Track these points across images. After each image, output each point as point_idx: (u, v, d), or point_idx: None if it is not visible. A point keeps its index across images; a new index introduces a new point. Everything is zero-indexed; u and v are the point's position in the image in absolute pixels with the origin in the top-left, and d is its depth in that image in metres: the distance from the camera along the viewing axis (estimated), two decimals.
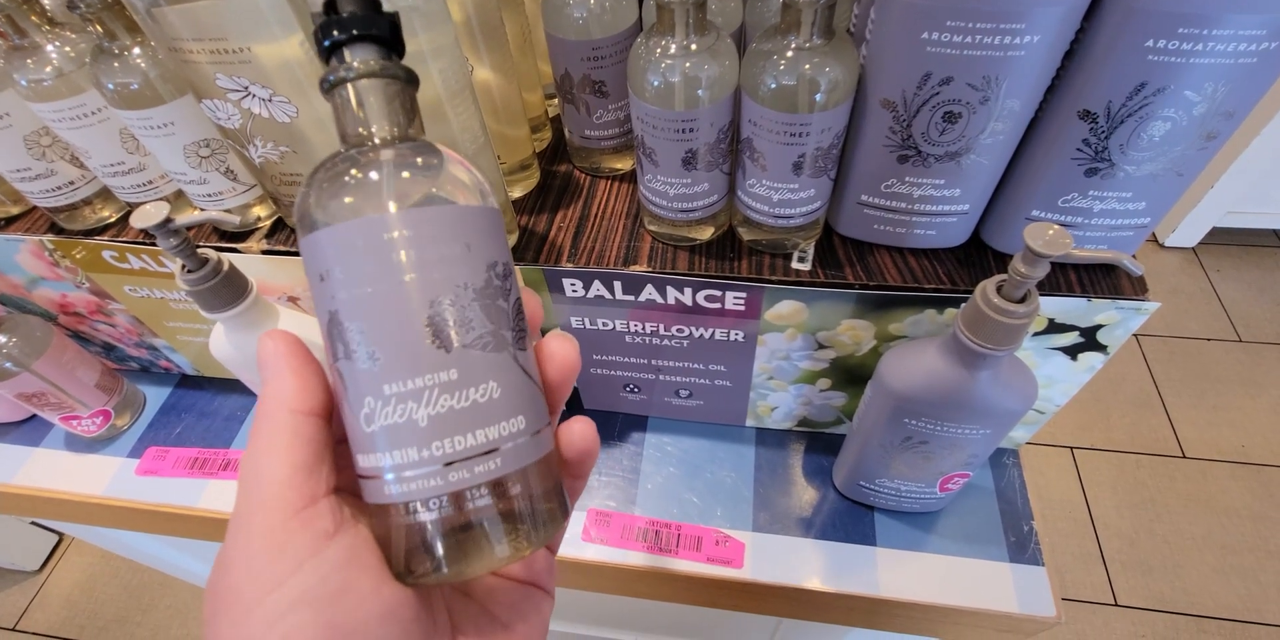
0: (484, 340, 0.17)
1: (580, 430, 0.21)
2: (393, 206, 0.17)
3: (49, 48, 0.38)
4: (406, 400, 0.17)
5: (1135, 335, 1.45)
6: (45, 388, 0.51)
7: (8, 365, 0.49)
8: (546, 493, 0.18)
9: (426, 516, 0.17)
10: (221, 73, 0.34)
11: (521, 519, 0.18)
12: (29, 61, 0.38)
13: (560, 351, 0.20)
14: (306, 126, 0.37)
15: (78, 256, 0.47)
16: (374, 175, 0.17)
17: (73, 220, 0.46)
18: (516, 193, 0.45)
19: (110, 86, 0.37)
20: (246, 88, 0.35)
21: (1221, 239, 1.61)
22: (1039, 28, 0.28)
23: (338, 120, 0.18)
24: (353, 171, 0.17)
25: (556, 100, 0.46)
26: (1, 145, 0.41)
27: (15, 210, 0.48)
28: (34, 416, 0.59)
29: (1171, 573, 1.12)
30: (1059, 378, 0.41)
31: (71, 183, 0.44)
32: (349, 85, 0.18)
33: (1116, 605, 1.09)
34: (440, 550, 0.17)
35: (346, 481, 0.19)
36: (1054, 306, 0.36)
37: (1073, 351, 0.39)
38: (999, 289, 0.30)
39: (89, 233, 0.46)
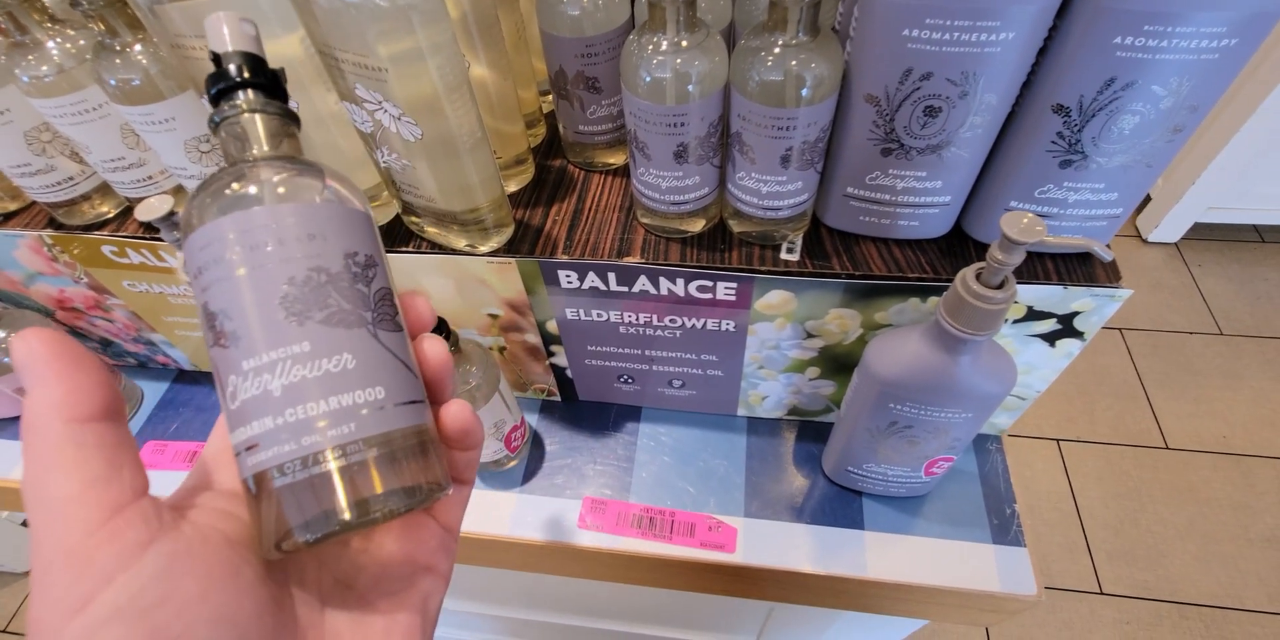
0: (337, 316, 0.19)
1: (455, 410, 0.21)
2: (253, 205, 0.19)
3: (50, 44, 0.38)
4: (262, 373, 0.18)
5: (1119, 329, 1.48)
6: None
7: (5, 360, 0.49)
8: (412, 461, 0.19)
9: (282, 481, 0.17)
10: None
11: (378, 483, 0.18)
12: (30, 58, 0.38)
13: (430, 350, 0.22)
14: (308, 124, 0.37)
15: (76, 252, 0.48)
16: (239, 182, 0.20)
17: (71, 215, 0.47)
18: (512, 187, 0.46)
19: (112, 82, 0.37)
20: None
21: (1203, 234, 1.64)
22: (1014, 25, 0.29)
23: (222, 150, 0.21)
24: (223, 181, 0.20)
25: (550, 96, 0.47)
26: (2, 141, 0.42)
27: (13, 206, 0.48)
28: None
29: (1155, 561, 1.14)
30: (1038, 364, 0.43)
31: (71, 178, 0.45)
32: (229, 121, 0.21)
33: (1102, 594, 1.12)
34: (299, 515, 0.17)
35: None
36: (1032, 294, 0.37)
37: (1051, 338, 0.40)
38: (978, 276, 0.32)
39: (88, 228, 0.46)
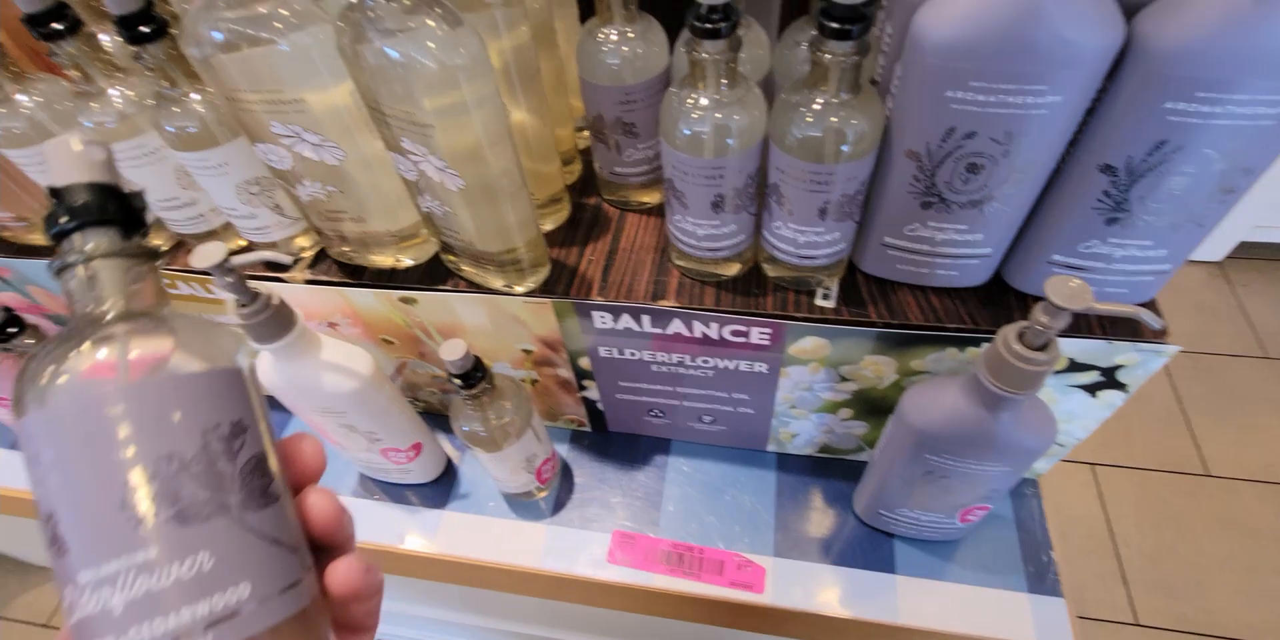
0: (192, 510, 0.16)
1: (341, 574, 0.19)
2: (94, 386, 0.16)
3: (112, 92, 0.40)
4: (101, 587, 0.15)
5: None
6: None
7: None
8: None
9: None
10: (276, 120, 0.36)
11: None
12: (94, 105, 0.40)
13: (316, 507, 0.19)
14: (353, 168, 0.39)
15: None
16: (70, 358, 0.17)
17: None
18: (548, 226, 0.46)
19: (170, 129, 0.39)
20: (298, 133, 0.37)
21: (1249, 253, 1.58)
22: (1061, 89, 0.29)
23: (65, 300, 0.18)
24: (62, 352, 0.17)
25: (586, 132, 0.47)
26: None
27: None
28: None
29: (1194, 593, 1.11)
30: (1079, 413, 0.42)
31: None
32: (69, 270, 0.18)
33: (1138, 625, 1.09)
34: None
35: None
36: (1075, 347, 0.37)
37: (1093, 389, 0.40)
38: (1020, 336, 0.31)
39: None
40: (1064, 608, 0.44)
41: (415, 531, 0.52)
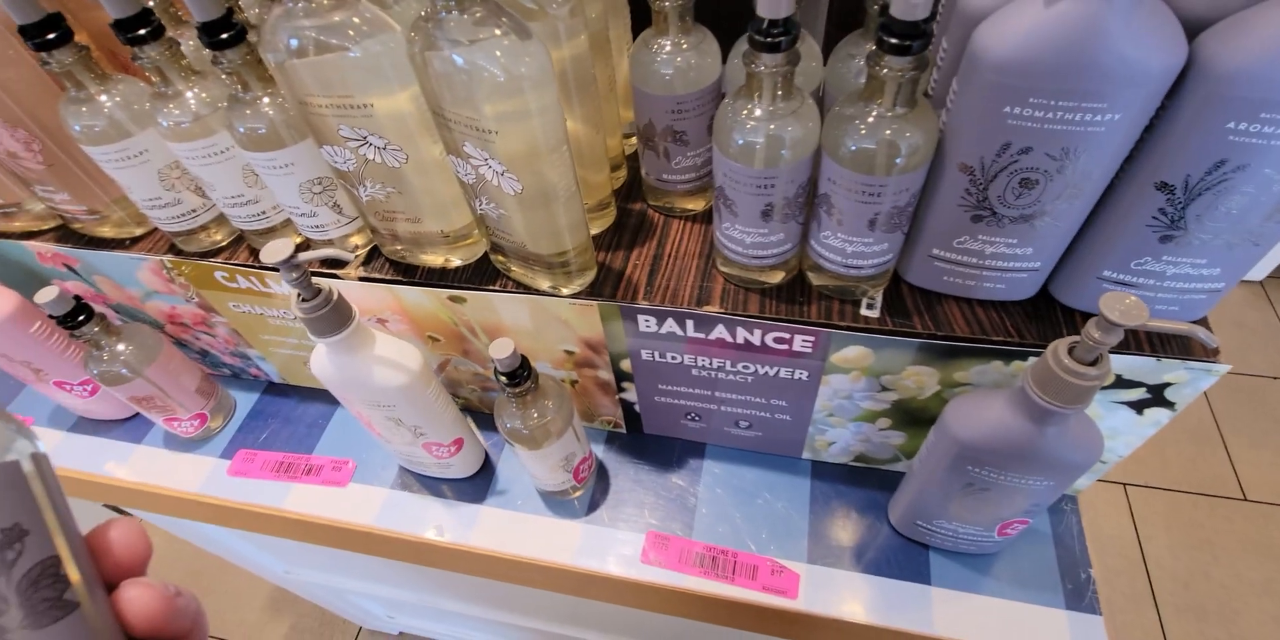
0: None
1: (140, 609, 0.17)
2: None
3: (188, 94, 0.42)
4: None
5: None
6: (154, 392, 0.56)
7: (123, 371, 0.54)
8: None
9: None
10: (345, 124, 0.37)
11: None
12: (170, 106, 0.42)
13: (136, 603, 0.17)
14: (412, 171, 0.40)
15: (191, 275, 0.52)
16: None
17: (189, 243, 0.50)
18: (594, 229, 0.47)
19: (241, 130, 0.41)
20: (365, 137, 0.38)
21: None
22: (1120, 107, 0.29)
23: None
24: None
25: (633, 138, 0.48)
26: (138, 177, 0.46)
27: (139, 231, 0.53)
28: (136, 414, 0.64)
29: (1228, 618, 1.08)
30: (1123, 430, 0.42)
31: (194, 211, 0.49)
32: None
33: None
34: None
35: None
36: (1122, 363, 0.37)
37: (1139, 407, 0.39)
38: (1070, 351, 0.31)
39: (204, 255, 0.50)
40: (1101, 625, 0.43)
41: (453, 525, 0.53)
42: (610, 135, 0.48)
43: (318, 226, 0.46)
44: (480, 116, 0.34)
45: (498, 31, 0.32)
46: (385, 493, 0.56)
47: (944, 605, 0.45)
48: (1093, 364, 0.31)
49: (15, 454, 0.16)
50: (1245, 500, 1.21)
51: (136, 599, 0.17)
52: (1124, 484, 1.24)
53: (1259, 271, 1.54)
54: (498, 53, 0.32)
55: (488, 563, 0.52)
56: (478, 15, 0.32)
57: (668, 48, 0.40)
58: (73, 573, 0.16)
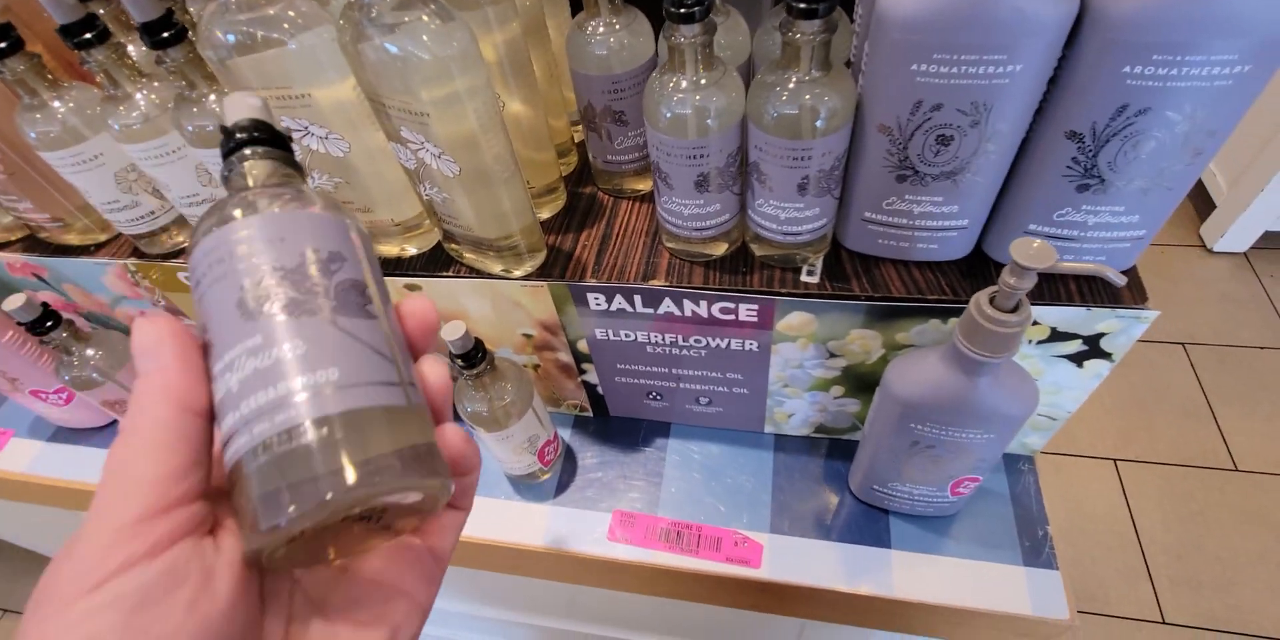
0: (288, 307, 0.19)
1: (450, 434, 0.21)
2: (225, 223, 0.20)
3: (138, 96, 0.43)
4: (225, 373, 0.18)
5: (1181, 343, 1.41)
6: (127, 395, 0.57)
7: (95, 376, 0.54)
8: (382, 443, 0.18)
9: (248, 471, 0.17)
10: (285, 115, 0.38)
11: (336, 461, 0.17)
12: (121, 108, 0.43)
13: (429, 372, 0.21)
14: (358, 159, 0.41)
15: (155, 277, 0.53)
16: (218, 206, 0.21)
17: (152, 245, 0.51)
18: (545, 214, 0.48)
19: (190, 128, 0.42)
20: (306, 127, 0.39)
21: (1274, 243, 1.55)
22: (1022, 58, 0.30)
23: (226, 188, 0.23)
24: (208, 212, 0.21)
25: (581, 127, 0.49)
26: (95, 181, 0.47)
27: (103, 237, 0.54)
28: (114, 422, 0.65)
29: (1223, 590, 1.08)
30: (1066, 384, 0.42)
31: (153, 213, 0.50)
32: (230, 172, 0.23)
33: (1164, 623, 1.06)
34: (261, 503, 0.17)
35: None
36: (1055, 316, 0.38)
37: (1078, 359, 0.40)
38: (991, 300, 0.32)
39: (166, 256, 0.51)
40: (1059, 580, 0.44)
41: None
42: (555, 117, 0.49)
43: None
44: (414, 100, 0.35)
45: (424, 17, 0.33)
46: None
47: (904, 568, 0.46)
48: (1013, 311, 0.32)
49: (348, 221, 0.22)
50: (1236, 470, 1.21)
51: (430, 369, 0.22)
52: (1114, 460, 1.25)
53: (1241, 243, 1.55)
54: (424, 36, 0.33)
55: (459, 549, 0.52)
56: (402, 0, 0.33)
57: (601, 29, 0.41)
58: (375, 301, 0.21)
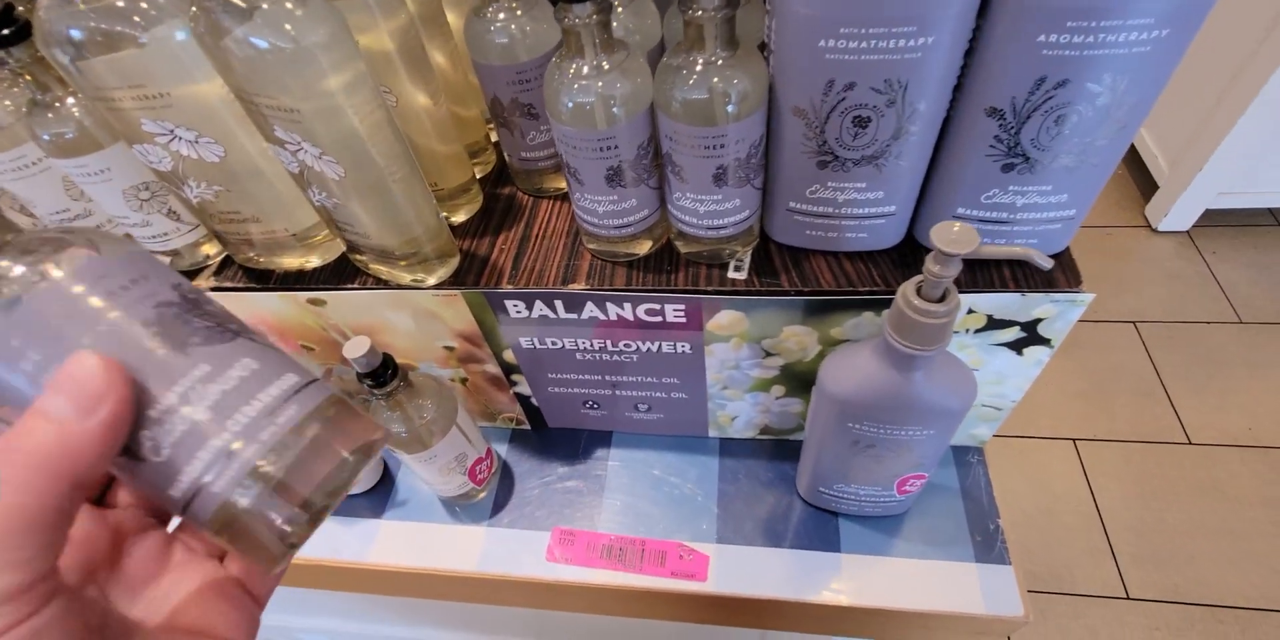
0: (213, 336, 0.19)
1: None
2: (73, 268, 0.19)
3: None
4: (178, 408, 0.18)
5: (1133, 322, 1.43)
6: None
7: None
8: (353, 416, 0.21)
9: (275, 464, 0.18)
10: (147, 117, 0.35)
11: (346, 432, 0.20)
12: None
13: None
14: (236, 164, 0.37)
15: None
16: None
17: None
18: (459, 217, 0.45)
19: (46, 137, 0.37)
20: (172, 131, 0.35)
21: (1216, 221, 1.59)
22: (932, 29, 0.28)
23: None
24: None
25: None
26: None
27: None
28: None
29: (1184, 563, 1.09)
30: (1008, 373, 0.41)
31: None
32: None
33: (1129, 599, 1.07)
34: (308, 478, 0.19)
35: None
36: (989, 303, 0.36)
37: (1017, 346, 0.39)
38: (918, 290, 0.30)
39: None
40: (1011, 574, 0.42)
41: (352, 543, 0.50)
42: (466, 109, 0.46)
43: (157, 237, 0.43)
44: (282, 94, 0.31)
45: (286, 3, 0.30)
46: None
47: (854, 572, 0.44)
48: (941, 300, 0.30)
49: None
50: (1190, 444, 1.23)
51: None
52: (1074, 439, 1.26)
53: (1184, 222, 1.58)
54: (286, 24, 0.30)
55: (390, 579, 0.49)
56: None
57: (501, 15, 0.38)
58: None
